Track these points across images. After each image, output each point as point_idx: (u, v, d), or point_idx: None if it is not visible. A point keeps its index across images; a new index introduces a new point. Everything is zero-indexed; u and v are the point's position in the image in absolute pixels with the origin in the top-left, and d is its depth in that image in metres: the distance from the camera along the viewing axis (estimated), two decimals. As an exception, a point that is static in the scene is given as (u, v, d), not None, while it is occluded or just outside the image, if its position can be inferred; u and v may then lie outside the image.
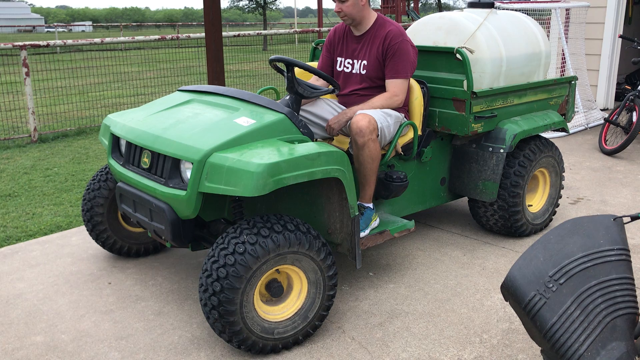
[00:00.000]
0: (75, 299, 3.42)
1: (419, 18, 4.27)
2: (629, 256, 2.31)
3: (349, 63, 3.67)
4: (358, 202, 3.40)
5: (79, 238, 4.31)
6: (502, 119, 3.96)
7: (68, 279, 3.67)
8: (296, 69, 3.73)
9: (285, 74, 3.27)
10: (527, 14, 5.85)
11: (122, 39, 9.06)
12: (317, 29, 13.26)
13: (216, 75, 5.18)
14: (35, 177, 6.04)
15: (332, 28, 3.85)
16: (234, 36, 10.70)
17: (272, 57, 3.34)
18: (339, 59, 3.73)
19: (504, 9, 5.03)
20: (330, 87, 3.52)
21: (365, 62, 3.57)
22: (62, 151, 7.24)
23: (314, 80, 3.78)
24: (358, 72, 3.62)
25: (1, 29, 45.25)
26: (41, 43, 8.13)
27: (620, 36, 7.54)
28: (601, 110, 8.44)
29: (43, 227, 4.60)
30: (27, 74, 7.75)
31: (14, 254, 4.07)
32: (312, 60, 4.62)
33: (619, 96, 8.75)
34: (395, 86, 3.49)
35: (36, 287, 3.58)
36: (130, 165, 3.17)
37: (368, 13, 3.57)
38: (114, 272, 3.75)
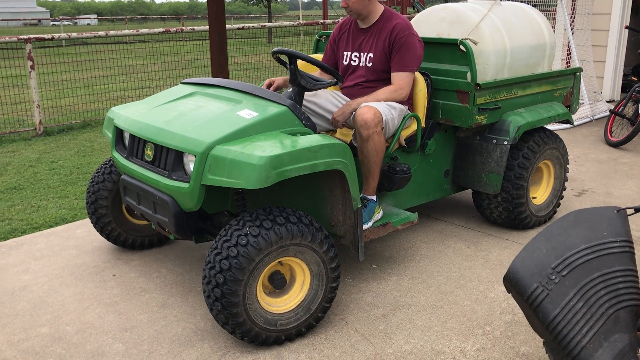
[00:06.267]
0: (79, 291, 3.44)
1: (424, 9, 4.25)
2: (633, 248, 2.30)
3: (355, 56, 3.65)
4: (361, 195, 3.40)
5: (84, 230, 4.33)
6: (506, 111, 3.94)
7: (73, 271, 3.70)
8: (299, 62, 3.72)
9: (288, 66, 3.27)
10: (533, 5, 5.82)
11: (127, 32, 9.07)
12: (322, 21, 13.21)
13: (220, 68, 5.16)
14: (40, 170, 6.06)
15: (337, 24, 3.84)
16: (239, 29, 10.68)
17: (275, 49, 3.33)
18: (345, 53, 3.72)
19: (508, 0, 5.00)
20: (334, 79, 3.51)
21: (371, 54, 3.56)
22: (67, 144, 7.26)
23: (318, 73, 3.77)
24: (364, 64, 3.61)
25: (7, 23, 45.29)
26: (46, 36, 8.13)
27: (627, 27, 7.48)
28: (607, 102, 8.39)
29: (48, 220, 4.63)
30: (32, 67, 7.77)
31: (19, 246, 4.10)
32: (315, 52, 4.61)
33: (625, 88, 8.69)
34: (400, 79, 3.48)
35: (41, 279, 3.60)
36: (133, 157, 3.17)
37: (374, 7, 3.56)
38: (118, 264, 3.77)
